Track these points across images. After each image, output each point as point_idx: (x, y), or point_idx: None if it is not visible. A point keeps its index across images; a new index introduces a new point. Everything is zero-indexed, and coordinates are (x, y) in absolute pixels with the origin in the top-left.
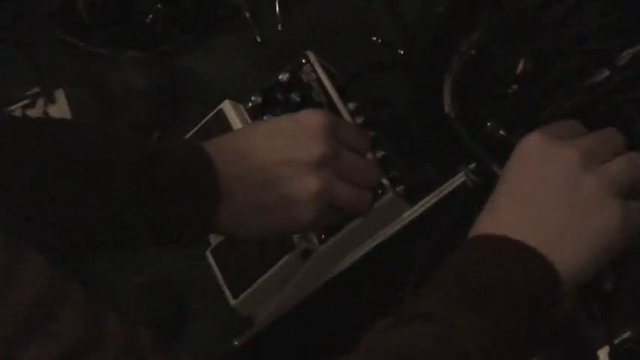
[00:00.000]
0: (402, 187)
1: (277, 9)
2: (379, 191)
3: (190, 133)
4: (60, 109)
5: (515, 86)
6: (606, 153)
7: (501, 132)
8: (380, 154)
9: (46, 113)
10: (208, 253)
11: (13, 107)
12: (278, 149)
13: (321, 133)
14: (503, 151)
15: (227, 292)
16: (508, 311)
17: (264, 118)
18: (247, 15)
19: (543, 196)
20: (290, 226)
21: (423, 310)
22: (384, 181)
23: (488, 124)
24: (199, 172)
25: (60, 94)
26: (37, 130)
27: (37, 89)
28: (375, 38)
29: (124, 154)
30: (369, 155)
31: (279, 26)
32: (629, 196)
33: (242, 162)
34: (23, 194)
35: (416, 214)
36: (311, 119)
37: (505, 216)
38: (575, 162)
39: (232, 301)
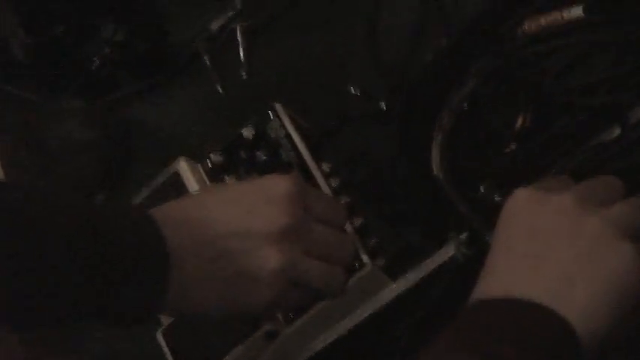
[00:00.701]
0: (382, 259)
1: (241, 55)
2: (356, 264)
3: (140, 197)
4: None
5: (513, 145)
6: (604, 198)
7: (497, 197)
8: (357, 221)
9: None
10: (159, 335)
11: None
12: (235, 219)
13: (286, 201)
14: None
15: None
16: None
17: (226, 179)
18: (207, 61)
19: (542, 247)
20: (247, 307)
21: None
22: (362, 253)
23: (482, 187)
24: (145, 242)
25: None
26: None
27: None
28: (352, 89)
29: (59, 219)
30: (346, 227)
31: (244, 74)
32: (637, 241)
33: (194, 232)
34: None
35: (398, 291)
36: (275, 185)
37: (504, 275)
38: (571, 206)
39: None
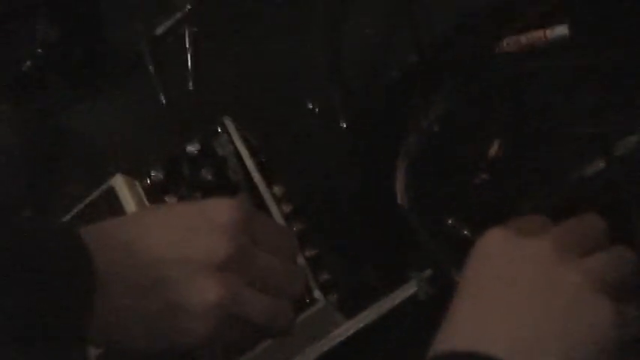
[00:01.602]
0: (336, 295)
1: (189, 62)
2: (307, 300)
3: (71, 214)
4: None
5: (485, 175)
6: (585, 245)
7: (465, 232)
8: (310, 252)
9: None
10: None
11: None
12: (173, 244)
13: (229, 229)
14: (466, 256)
15: None
16: None
17: (166, 199)
18: (150, 68)
19: (513, 299)
20: (181, 342)
21: None
22: (314, 288)
23: (450, 221)
24: (71, 265)
25: None
26: None
27: None
28: (310, 106)
29: None
30: (298, 258)
31: (191, 84)
32: (616, 297)
33: (127, 257)
34: None
35: (353, 331)
36: (219, 210)
37: (469, 327)
38: (548, 255)
39: None
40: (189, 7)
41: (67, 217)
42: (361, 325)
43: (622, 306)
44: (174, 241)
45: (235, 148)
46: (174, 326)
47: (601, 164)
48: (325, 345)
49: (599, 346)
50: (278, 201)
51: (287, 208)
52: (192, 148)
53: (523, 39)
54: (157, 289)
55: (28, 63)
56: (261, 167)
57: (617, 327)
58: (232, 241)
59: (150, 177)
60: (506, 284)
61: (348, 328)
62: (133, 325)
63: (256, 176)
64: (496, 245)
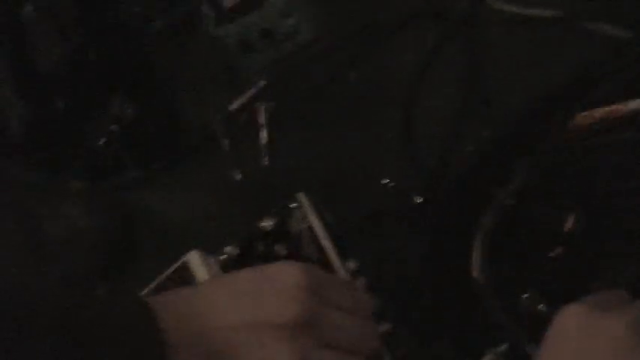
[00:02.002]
0: None
1: (264, 139)
2: None
3: (146, 290)
4: None
5: (560, 249)
6: None
7: (541, 306)
8: (384, 327)
9: None
10: None
11: None
12: (240, 310)
13: (296, 291)
14: (542, 331)
15: None
16: None
17: None
18: (225, 144)
19: None
20: None
21: None
22: None
23: (526, 295)
24: (142, 335)
25: None
26: None
27: None
28: (386, 181)
29: (44, 309)
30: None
31: (265, 160)
32: None
33: (194, 325)
34: None
35: None
36: (285, 274)
37: None
38: (623, 334)
39: None
40: (263, 83)
41: (142, 293)
42: None
43: None
44: (242, 305)
45: (310, 223)
46: None
47: None
48: None
49: None
50: (352, 275)
51: (360, 283)
52: (266, 224)
53: (597, 113)
54: (227, 355)
55: (103, 141)
56: (336, 243)
57: None
58: (299, 302)
59: (224, 253)
60: None
61: None
62: None
63: (330, 251)
64: (573, 321)
